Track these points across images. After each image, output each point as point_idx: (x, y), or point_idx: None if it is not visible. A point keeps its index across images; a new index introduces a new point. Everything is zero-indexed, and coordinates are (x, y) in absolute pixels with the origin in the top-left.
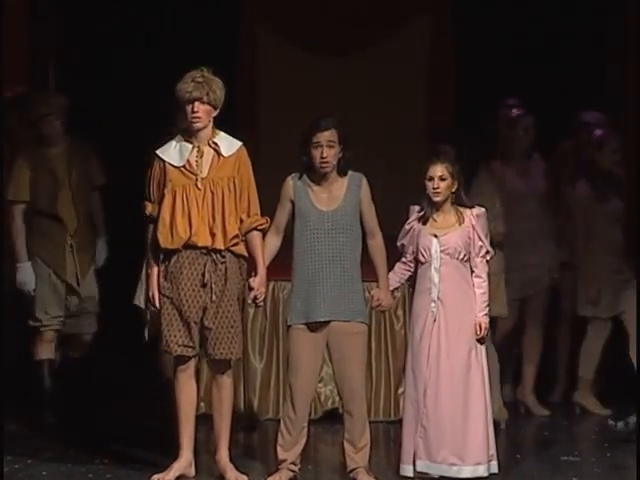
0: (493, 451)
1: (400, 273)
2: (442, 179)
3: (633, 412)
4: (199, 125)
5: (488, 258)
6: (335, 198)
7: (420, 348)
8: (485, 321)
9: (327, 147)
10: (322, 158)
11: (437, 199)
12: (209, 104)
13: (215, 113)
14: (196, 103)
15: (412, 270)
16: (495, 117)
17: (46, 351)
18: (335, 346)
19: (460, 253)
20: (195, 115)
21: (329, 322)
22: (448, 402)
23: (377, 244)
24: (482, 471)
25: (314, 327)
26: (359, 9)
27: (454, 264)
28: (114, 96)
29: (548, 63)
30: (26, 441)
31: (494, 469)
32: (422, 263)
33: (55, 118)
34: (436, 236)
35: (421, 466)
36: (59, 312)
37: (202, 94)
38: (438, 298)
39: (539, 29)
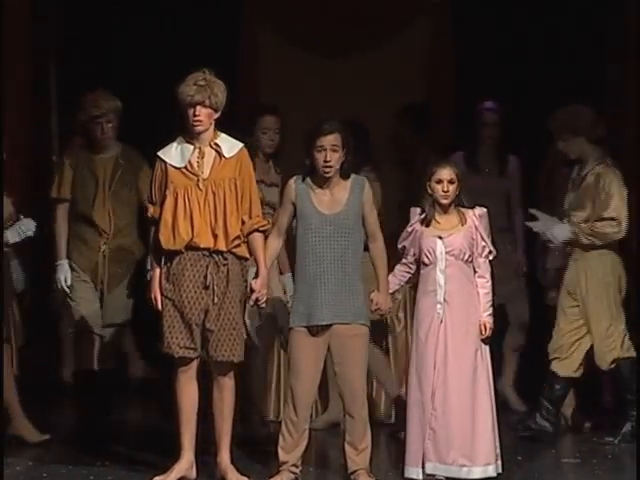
0: (498, 450)
1: (400, 275)
2: (451, 182)
3: (623, 421)
4: (200, 129)
5: (491, 258)
6: (337, 201)
7: (426, 350)
8: (490, 321)
9: (331, 151)
10: (325, 162)
11: (446, 201)
12: (211, 107)
13: (216, 116)
14: (198, 107)
15: (412, 272)
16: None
17: (93, 360)
18: (336, 349)
19: (465, 254)
20: (197, 119)
21: (331, 325)
22: (456, 403)
23: (378, 248)
24: (491, 471)
25: (315, 330)
26: (359, 10)
27: (459, 265)
28: (115, 96)
29: (548, 63)
30: (27, 443)
31: (499, 469)
32: (426, 265)
33: (107, 121)
34: (441, 237)
35: (430, 468)
36: (98, 319)
37: (204, 98)
38: (444, 299)
39: (539, 29)
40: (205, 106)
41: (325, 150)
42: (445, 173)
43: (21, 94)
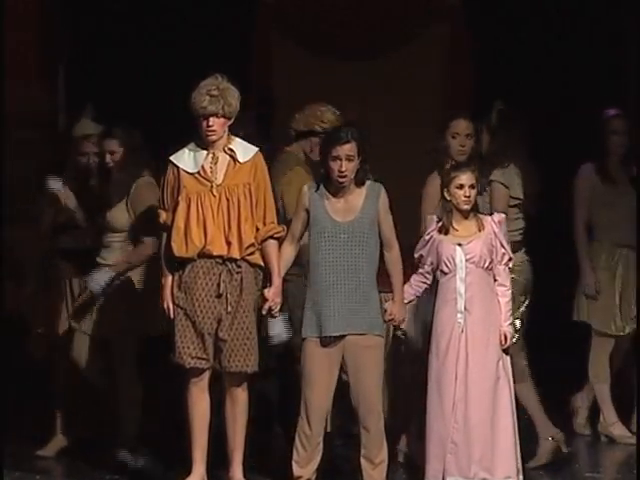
0: (520, 464)
1: (416, 285)
2: (472, 187)
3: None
4: (214, 138)
5: (510, 265)
6: (352, 209)
7: (447, 361)
8: (510, 331)
9: (346, 160)
10: (340, 172)
11: (467, 207)
12: (224, 117)
13: (230, 122)
14: (211, 118)
15: (429, 282)
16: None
17: None
18: (351, 360)
19: (485, 261)
20: (210, 129)
21: (345, 336)
22: (478, 416)
23: (394, 256)
24: None
25: (329, 341)
26: (375, 14)
27: (479, 273)
28: (126, 98)
29: (565, 61)
30: (35, 456)
31: None
32: (445, 274)
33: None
34: (460, 245)
35: None
36: None
37: (217, 109)
38: (465, 309)
39: (558, 28)
40: (219, 116)
41: (340, 160)
42: (466, 178)
43: (29, 96)
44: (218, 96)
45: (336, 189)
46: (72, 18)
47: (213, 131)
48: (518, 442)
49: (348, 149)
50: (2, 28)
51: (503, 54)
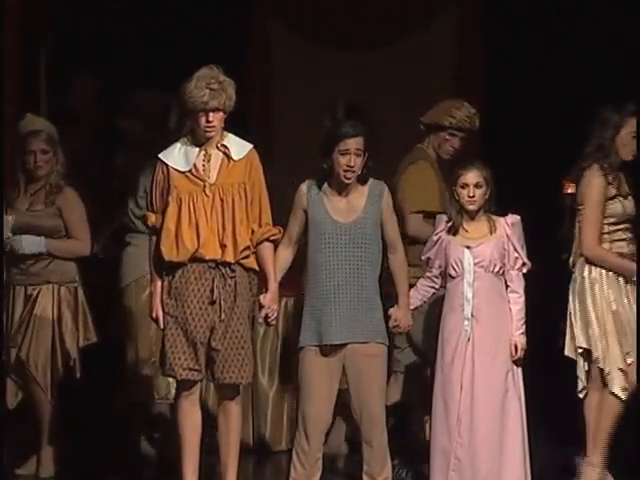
0: None
1: (423, 290)
2: (478, 186)
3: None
4: (213, 134)
5: (525, 271)
6: (354, 209)
7: (452, 371)
8: (522, 341)
9: (355, 155)
10: (349, 166)
11: (472, 207)
12: (224, 111)
13: (226, 116)
14: (211, 113)
15: (437, 287)
16: None
17: None
18: (352, 370)
19: (495, 266)
20: (210, 125)
21: (346, 344)
22: (484, 430)
23: (398, 259)
24: None
25: (329, 350)
26: (377, 1)
27: (488, 278)
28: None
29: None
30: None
31: None
32: (453, 277)
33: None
34: (469, 247)
35: None
36: None
37: (219, 104)
38: (472, 315)
39: (572, 21)
40: (219, 111)
41: (349, 154)
42: (471, 177)
43: (9, 83)
44: (219, 89)
45: (339, 187)
46: (72, 18)
47: (213, 127)
48: (528, 459)
49: (357, 143)
50: (2, 28)
51: (517, 42)
